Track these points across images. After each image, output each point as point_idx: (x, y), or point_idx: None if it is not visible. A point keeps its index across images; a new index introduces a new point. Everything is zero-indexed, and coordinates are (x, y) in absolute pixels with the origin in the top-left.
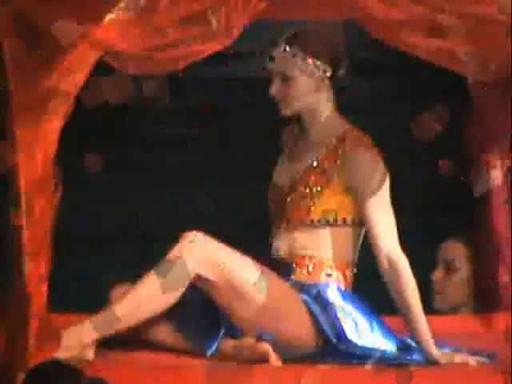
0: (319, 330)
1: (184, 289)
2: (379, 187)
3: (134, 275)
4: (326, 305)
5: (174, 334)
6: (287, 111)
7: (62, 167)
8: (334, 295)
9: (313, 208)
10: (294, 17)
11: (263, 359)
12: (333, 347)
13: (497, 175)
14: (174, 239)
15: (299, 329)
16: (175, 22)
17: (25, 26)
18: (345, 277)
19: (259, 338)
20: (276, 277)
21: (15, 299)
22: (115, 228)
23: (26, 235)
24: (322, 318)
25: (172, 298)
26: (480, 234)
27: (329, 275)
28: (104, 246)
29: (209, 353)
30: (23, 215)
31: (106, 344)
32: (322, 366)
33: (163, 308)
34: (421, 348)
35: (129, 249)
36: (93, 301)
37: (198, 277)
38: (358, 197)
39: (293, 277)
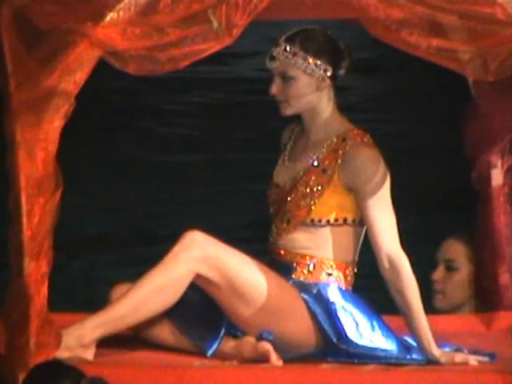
0: (320, 330)
1: (184, 288)
2: (380, 187)
3: (134, 275)
4: (326, 304)
5: (175, 333)
6: (287, 111)
7: (62, 167)
8: (334, 294)
9: (313, 207)
10: (294, 17)
11: (264, 359)
12: (333, 347)
13: (497, 175)
14: (174, 239)
15: (300, 328)
16: (176, 21)
17: (25, 26)
18: (345, 276)
19: (260, 338)
20: (276, 276)
21: (15, 299)
22: (115, 228)
23: (26, 235)
24: (322, 318)
25: (172, 297)
26: (480, 234)
27: (329, 274)
28: (104, 245)
29: (209, 353)
30: (23, 215)
31: (106, 344)
32: (322, 366)
33: (163, 308)
34: (421, 347)
35: (129, 249)
36: (93, 301)
37: (199, 276)
38: (358, 196)
39: (293, 276)
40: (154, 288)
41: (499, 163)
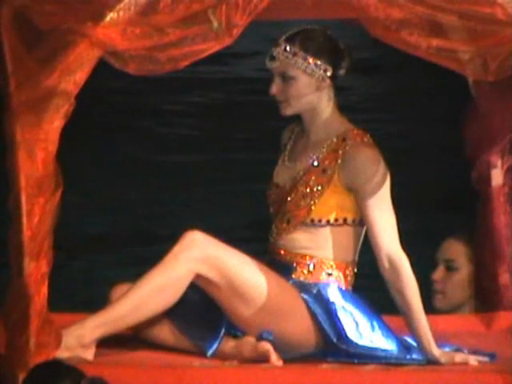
0: (320, 330)
1: (184, 288)
2: (379, 187)
3: (134, 275)
4: (326, 304)
5: (175, 333)
6: (287, 111)
7: (62, 167)
8: (334, 294)
9: (313, 207)
10: (294, 17)
11: (264, 359)
12: (333, 347)
13: (497, 175)
14: (174, 239)
15: (300, 328)
16: (176, 21)
17: (25, 26)
18: (345, 276)
19: (260, 338)
20: (276, 276)
21: (15, 299)
22: (115, 228)
23: (26, 235)
24: (322, 318)
25: (172, 297)
26: (480, 234)
27: (329, 274)
28: (104, 245)
29: (209, 353)
30: (23, 215)
31: (106, 344)
32: (322, 366)
33: (163, 308)
34: (421, 347)
35: (129, 249)
36: (93, 301)
37: (199, 276)
38: (358, 196)
39: (293, 276)
40: (154, 288)
41: (499, 163)
